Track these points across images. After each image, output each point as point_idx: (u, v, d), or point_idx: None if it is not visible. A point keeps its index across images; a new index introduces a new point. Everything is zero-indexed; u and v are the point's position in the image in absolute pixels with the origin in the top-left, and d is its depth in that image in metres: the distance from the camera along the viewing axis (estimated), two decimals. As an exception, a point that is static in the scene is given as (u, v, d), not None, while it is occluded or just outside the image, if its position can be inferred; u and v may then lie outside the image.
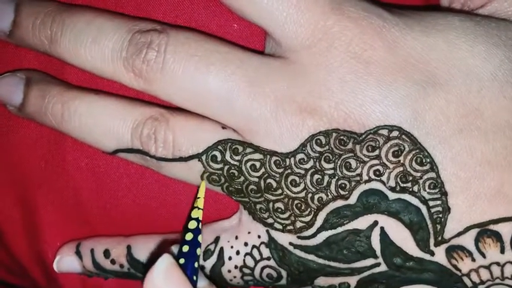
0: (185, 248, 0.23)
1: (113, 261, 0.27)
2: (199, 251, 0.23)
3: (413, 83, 0.23)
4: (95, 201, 0.28)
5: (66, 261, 0.28)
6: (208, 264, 0.26)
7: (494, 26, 0.24)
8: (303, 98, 0.23)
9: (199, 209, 0.24)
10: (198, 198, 0.25)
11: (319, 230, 0.24)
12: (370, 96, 0.23)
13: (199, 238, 0.24)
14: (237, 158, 0.24)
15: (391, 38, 0.23)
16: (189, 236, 0.23)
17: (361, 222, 0.24)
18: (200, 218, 0.24)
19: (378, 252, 0.24)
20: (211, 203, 0.27)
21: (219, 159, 0.24)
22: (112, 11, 0.26)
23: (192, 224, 0.24)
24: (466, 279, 0.24)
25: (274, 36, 0.24)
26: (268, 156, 0.24)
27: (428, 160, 0.23)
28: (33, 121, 0.27)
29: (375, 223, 0.24)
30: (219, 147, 0.24)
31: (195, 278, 0.23)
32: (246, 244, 0.26)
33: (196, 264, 0.23)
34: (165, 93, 0.24)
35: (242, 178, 0.24)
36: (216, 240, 0.26)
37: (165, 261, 0.21)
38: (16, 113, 0.27)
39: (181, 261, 0.23)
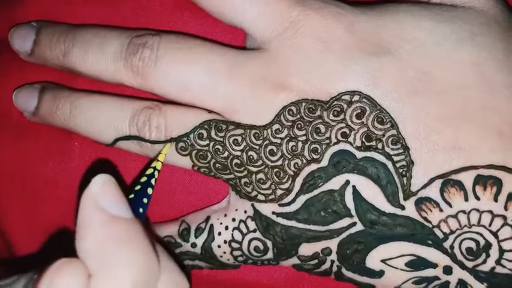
0: (137, 187, 0.25)
1: None
2: (150, 191, 0.25)
3: (369, 54, 0.26)
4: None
5: None
6: (200, 240, 0.28)
7: (438, 8, 0.27)
8: (275, 76, 0.27)
9: (158, 161, 0.27)
10: (161, 153, 0.27)
11: (297, 195, 0.26)
12: (332, 68, 0.26)
13: (153, 181, 0.26)
14: (221, 134, 0.27)
15: (348, 21, 0.27)
16: (143, 179, 0.26)
17: (335, 183, 0.26)
18: (158, 168, 0.27)
19: (353, 211, 0.26)
20: (203, 196, 0.30)
21: (205, 136, 0.27)
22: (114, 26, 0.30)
23: (149, 171, 0.26)
24: (437, 231, 0.25)
25: (250, 32, 0.28)
26: (248, 130, 0.27)
27: (388, 119, 0.26)
28: (44, 126, 0.30)
29: (347, 182, 0.26)
30: (205, 126, 0.27)
31: (141, 210, 0.24)
32: (233, 220, 0.28)
33: (145, 200, 0.25)
34: (159, 86, 0.28)
35: (226, 153, 0.27)
36: (207, 219, 0.28)
37: (103, 176, 0.22)
38: (31, 118, 0.31)
39: (131, 196, 0.25)
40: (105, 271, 0.20)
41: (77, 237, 0.21)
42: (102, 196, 0.21)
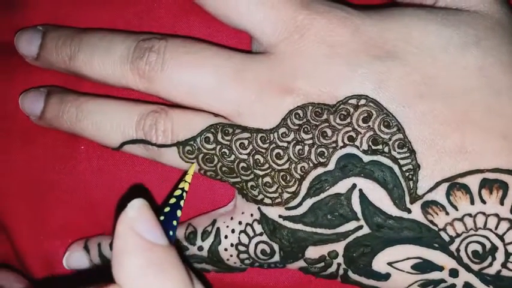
0: (167, 209, 0.25)
1: None
2: (179, 213, 0.25)
3: (375, 58, 0.26)
4: (103, 199, 0.31)
5: (74, 257, 0.30)
6: (206, 244, 0.28)
7: (444, 12, 0.27)
8: (281, 80, 0.27)
9: (186, 181, 0.27)
10: (188, 174, 0.27)
11: (304, 198, 0.27)
12: (338, 72, 0.26)
13: (182, 203, 0.26)
14: (227, 138, 0.27)
15: (353, 25, 0.27)
16: (172, 200, 0.26)
17: (341, 187, 0.26)
18: (186, 189, 0.27)
19: (359, 214, 0.26)
20: (209, 199, 0.30)
21: (211, 140, 0.27)
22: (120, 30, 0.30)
23: (177, 192, 0.26)
24: (443, 234, 0.25)
25: (256, 36, 0.28)
26: (255, 134, 0.27)
27: (394, 123, 0.26)
28: (50, 129, 0.31)
29: (354, 186, 0.26)
30: (212, 130, 0.27)
31: (171, 233, 0.25)
32: (240, 223, 0.28)
33: (175, 223, 0.25)
34: (165, 89, 0.28)
35: (233, 156, 0.27)
36: (213, 222, 0.28)
37: (139, 201, 0.22)
38: (37, 122, 0.31)
39: (161, 217, 0.25)
40: None
41: (115, 263, 0.21)
42: (139, 222, 0.21)
